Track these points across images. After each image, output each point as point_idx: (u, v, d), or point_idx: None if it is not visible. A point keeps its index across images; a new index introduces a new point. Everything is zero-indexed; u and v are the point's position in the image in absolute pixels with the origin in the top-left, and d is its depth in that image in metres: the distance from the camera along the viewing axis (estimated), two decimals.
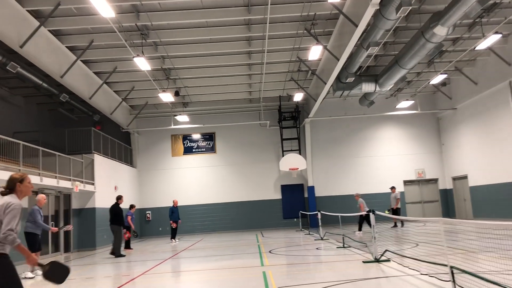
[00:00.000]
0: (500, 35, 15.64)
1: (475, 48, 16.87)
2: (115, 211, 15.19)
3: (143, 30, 14.94)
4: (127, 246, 17.44)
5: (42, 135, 18.52)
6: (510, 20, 15.55)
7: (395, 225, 19.55)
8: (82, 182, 17.43)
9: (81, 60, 16.91)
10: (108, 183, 20.31)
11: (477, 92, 20.63)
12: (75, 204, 18.14)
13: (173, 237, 19.73)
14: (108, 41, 15.66)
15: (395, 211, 19.68)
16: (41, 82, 16.10)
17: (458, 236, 9.84)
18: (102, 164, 19.67)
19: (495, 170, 19.96)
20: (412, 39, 14.30)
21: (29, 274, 10.49)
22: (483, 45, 15.77)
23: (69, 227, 14.04)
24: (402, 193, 24.92)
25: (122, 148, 23.31)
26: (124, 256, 14.73)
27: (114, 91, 21.22)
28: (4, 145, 12.63)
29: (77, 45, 15.84)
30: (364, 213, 15.08)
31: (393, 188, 20.33)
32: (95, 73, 18.64)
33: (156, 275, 10.00)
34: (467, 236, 9.25)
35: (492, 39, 15.33)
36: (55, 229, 11.68)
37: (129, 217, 17.54)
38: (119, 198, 15.69)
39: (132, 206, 17.89)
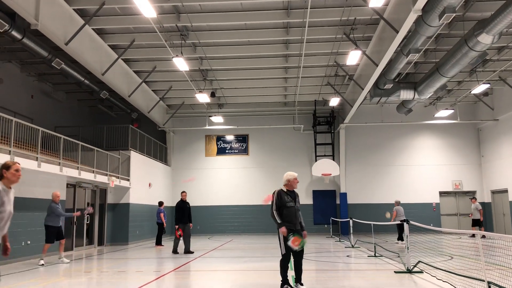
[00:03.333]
0: None
1: None
2: (181, 208, 14.38)
3: (183, 31, 15.17)
4: (158, 243, 17.74)
5: (81, 130, 19.11)
6: None
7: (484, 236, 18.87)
8: (118, 177, 17.85)
9: (122, 59, 17.34)
10: (143, 180, 20.74)
11: None
12: (110, 199, 18.61)
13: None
14: (148, 41, 16.00)
15: (481, 222, 19.19)
16: (83, 79, 16.60)
17: (496, 251, 9.50)
18: (138, 161, 20.10)
19: None
20: (455, 46, 13.92)
21: (65, 260, 11.66)
22: None
23: (90, 209, 13.65)
24: (437, 205, 24.32)
25: (158, 146, 23.75)
26: (193, 252, 14.24)
27: (152, 90, 21.66)
28: (47, 138, 13.09)
29: (119, 43, 16.26)
30: (394, 222, 14.76)
31: (473, 198, 19.87)
32: (135, 71, 19.08)
33: (185, 273, 10.13)
34: (506, 252, 8.90)
35: None
36: (77, 213, 12.38)
37: (162, 214, 17.88)
38: (182, 193, 14.91)
39: (161, 203, 18.24)
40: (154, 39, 15.48)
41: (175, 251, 14.38)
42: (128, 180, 18.96)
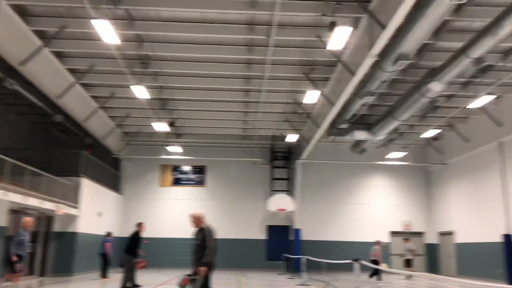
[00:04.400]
0: (493, 97, 15.96)
1: (467, 106, 17.19)
2: (135, 239, 13.27)
3: (144, 59, 15.10)
4: (104, 275, 16.99)
5: (31, 154, 18.28)
6: (503, 83, 15.89)
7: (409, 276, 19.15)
8: (66, 205, 17.13)
9: (79, 83, 16.98)
10: (93, 208, 19.99)
11: (468, 150, 20.80)
12: (56, 227, 17.76)
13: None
14: (108, 67, 15.77)
15: (410, 262, 19.54)
16: (36, 101, 16.07)
17: None
18: (89, 189, 19.41)
19: (482, 228, 19.91)
20: (407, 92, 14.59)
21: None
22: (475, 104, 16.11)
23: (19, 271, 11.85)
24: (388, 244, 24.72)
25: (111, 174, 23.09)
26: (140, 286, 13.44)
27: (108, 116, 21.21)
28: None
29: (78, 68, 15.95)
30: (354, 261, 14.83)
31: (405, 239, 20.31)
32: (92, 97, 18.68)
33: None
34: None
35: (484, 100, 15.66)
36: (14, 258, 11.28)
37: (108, 244, 17.23)
38: (138, 225, 13.58)
39: (109, 233, 17.62)
40: (115, 65, 15.27)
41: (135, 285, 13.20)
42: (76, 208, 18.22)
